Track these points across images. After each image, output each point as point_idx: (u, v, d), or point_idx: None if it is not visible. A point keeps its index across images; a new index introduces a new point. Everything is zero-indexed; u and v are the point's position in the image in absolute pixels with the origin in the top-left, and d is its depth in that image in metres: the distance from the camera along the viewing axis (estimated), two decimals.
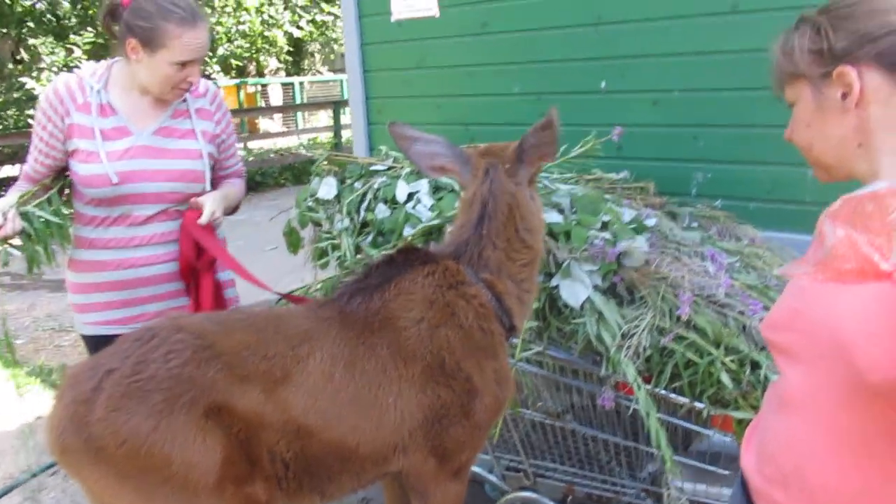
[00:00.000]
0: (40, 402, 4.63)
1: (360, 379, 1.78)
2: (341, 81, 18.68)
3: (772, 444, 1.32)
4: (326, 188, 2.99)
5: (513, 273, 1.98)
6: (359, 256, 2.74)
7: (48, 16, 12.17)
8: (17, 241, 2.28)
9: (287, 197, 3.19)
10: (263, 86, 18.01)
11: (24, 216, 2.27)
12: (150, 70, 2.28)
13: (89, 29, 12.70)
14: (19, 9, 11.53)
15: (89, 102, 2.31)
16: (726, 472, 2.29)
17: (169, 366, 1.62)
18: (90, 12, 12.63)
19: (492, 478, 2.73)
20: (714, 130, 2.80)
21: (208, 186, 2.47)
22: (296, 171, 13.12)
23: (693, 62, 2.78)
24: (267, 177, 13.10)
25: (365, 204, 2.87)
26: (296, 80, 18.41)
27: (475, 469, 2.78)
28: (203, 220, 2.33)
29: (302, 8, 16.95)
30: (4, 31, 11.95)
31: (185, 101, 2.45)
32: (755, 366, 2.11)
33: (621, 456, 2.49)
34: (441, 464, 1.89)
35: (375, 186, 2.90)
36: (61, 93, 2.31)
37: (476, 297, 1.91)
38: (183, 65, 2.27)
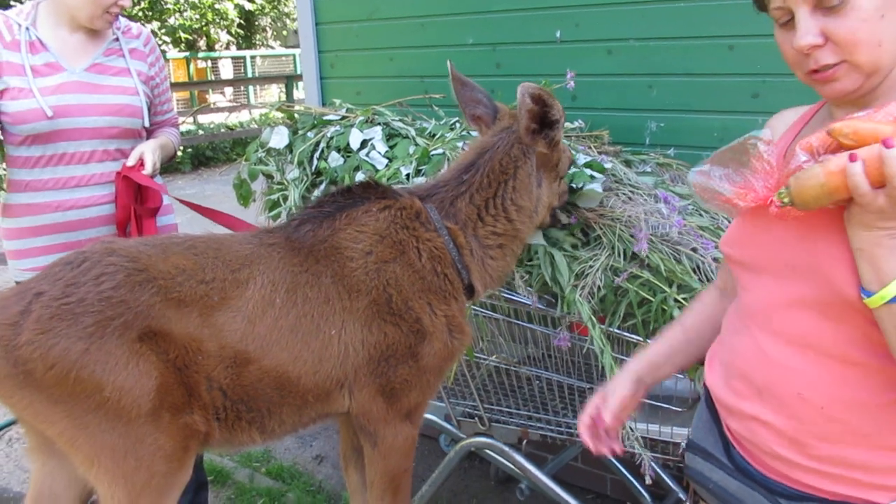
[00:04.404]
0: None
1: (303, 307, 1.74)
2: (294, 56, 18.39)
3: (739, 361, 1.30)
4: (278, 137, 2.93)
5: (481, 235, 1.95)
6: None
7: None
8: None
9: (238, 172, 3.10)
10: (214, 60, 17.63)
11: None
12: None
13: None
14: None
15: (18, 40, 2.25)
16: (679, 410, 2.32)
17: (101, 288, 1.56)
18: None
19: (448, 426, 2.71)
20: (667, 79, 2.80)
21: (147, 123, 2.44)
22: (247, 146, 12.90)
23: (648, 10, 2.76)
24: (218, 151, 12.87)
25: (318, 153, 2.82)
26: (247, 53, 18.06)
27: (431, 417, 2.76)
28: (147, 169, 2.30)
29: None
30: None
31: (117, 40, 2.42)
32: None
33: (576, 399, 2.50)
34: (389, 404, 1.85)
35: (328, 135, 2.85)
36: None
37: (430, 241, 1.87)
38: None
